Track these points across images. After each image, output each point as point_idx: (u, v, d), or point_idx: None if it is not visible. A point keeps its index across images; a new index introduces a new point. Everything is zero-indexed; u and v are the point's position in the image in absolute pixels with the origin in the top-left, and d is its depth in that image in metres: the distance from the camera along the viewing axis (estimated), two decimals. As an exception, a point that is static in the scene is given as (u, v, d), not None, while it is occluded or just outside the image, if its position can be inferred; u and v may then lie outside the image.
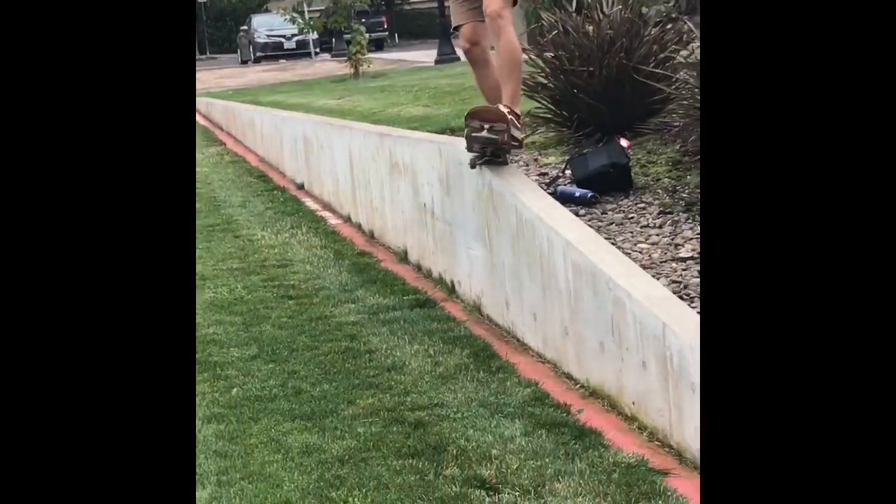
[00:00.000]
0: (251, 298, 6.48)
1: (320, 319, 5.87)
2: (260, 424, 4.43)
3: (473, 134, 5.29)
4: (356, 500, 3.68)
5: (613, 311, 4.29)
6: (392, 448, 4.09)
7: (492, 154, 5.44)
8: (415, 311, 5.80)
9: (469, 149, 5.48)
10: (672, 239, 5.06)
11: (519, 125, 5.44)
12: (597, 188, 5.67)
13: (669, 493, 3.56)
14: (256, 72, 27.05)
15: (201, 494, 3.80)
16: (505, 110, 5.26)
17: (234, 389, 4.88)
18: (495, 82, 5.58)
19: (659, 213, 5.33)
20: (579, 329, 4.62)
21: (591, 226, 5.08)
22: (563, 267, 4.72)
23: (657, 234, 5.11)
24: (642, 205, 5.45)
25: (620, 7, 7.36)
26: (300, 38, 30.65)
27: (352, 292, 6.38)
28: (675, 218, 5.23)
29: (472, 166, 5.50)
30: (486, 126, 5.22)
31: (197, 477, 3.97)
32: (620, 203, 5.73)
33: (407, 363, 5.04)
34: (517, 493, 3.64)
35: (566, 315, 4.73)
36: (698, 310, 4.19)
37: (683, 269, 4.73)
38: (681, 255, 4.88)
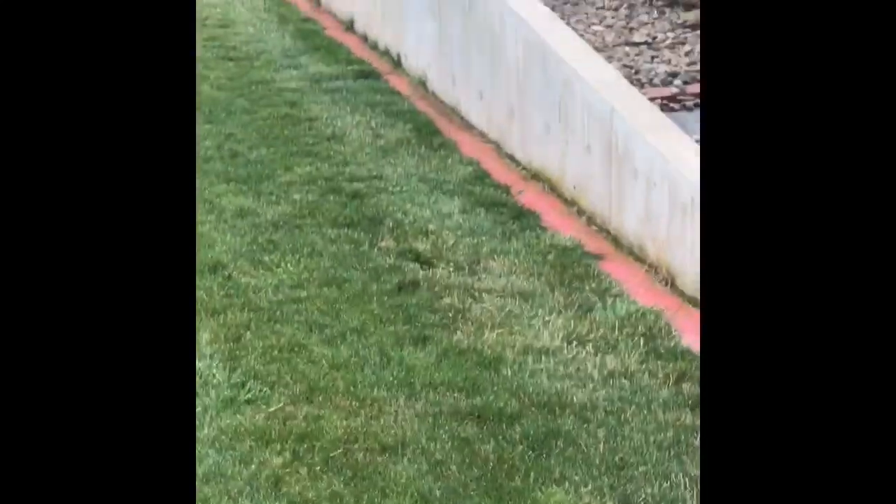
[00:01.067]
0: None
1: (260, 83, 5.70)
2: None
3: None
4: (289, 265, 3.65)
5: (562, 91, 4.20)
6: (328, 217, 4.04)
7: None
8: (358, 82, 5.63)
9: None
10: (627, 23, 4.94)
11: None
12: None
13: (602, 277, 3.57)
14: None
15: None
16: None
17: None
18: None
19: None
20: (526, 109, 4.53)
21: (545, 4, 4.92)
22: (514, 44, 4.58)
23: (612, 17, 4.98)
24: None
25: None
26: None
27: (294, 58, 6.18)
28: (632, 1, 5.08)
29: None
30: None
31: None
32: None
33: (347, 134, 4.94)
34: (451, 269, 3.63)
35: (513, 95, 4.62)
36: (648, 96, 4.12)
37: (637, 54, 4.64)
38: (634, 39, 4.79)
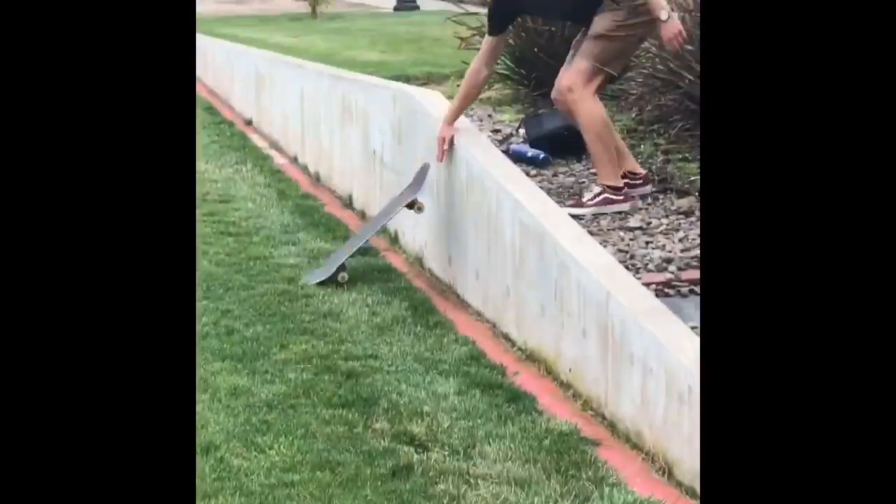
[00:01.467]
0: None
1: (258, 259, 5.76)
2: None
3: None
4: (282, 447, 3.61)
5: (558, 275, 4.24)
6: (322, 397, 4.02)
7: None
8: (356, 259, 5.68)
9: None
10: (622, 207, 5.02)
11: (618, 196, 5.02)
12: (549, 150, 5.61)
13: (600, 464, 3.53)
14: (213, 3, 26.61)
15: None
16: (596, 191, 5.02)
17: None
18: None
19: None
20: (522, 290, 4.56)
21: (541, 187, 5.01)
22: (511, 226, 4.64)
23: (608, 202, 5.04)
24: (594, 170, 5.37)
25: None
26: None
27: (293, 234, 6.27)
28: (626, 186, 5.16)
29: None
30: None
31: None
32: (572, 167, 5.69)
33: (344, 311, 4.96)
34: (446, 453, 3.60)
35: (509, 275, 4.67)
36: (643, 281, 4.15)
37: (631, 239, 4.69)
38: (629, 224, 4.85)
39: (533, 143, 5.77)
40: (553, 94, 5.18)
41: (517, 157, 5.61)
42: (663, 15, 4.76)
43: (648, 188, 5.18)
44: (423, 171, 5.38)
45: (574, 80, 4.98)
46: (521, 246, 4.56)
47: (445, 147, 5.18)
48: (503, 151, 5.51)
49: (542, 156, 5.65)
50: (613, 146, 5.07)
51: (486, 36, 5.26)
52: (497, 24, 5.18)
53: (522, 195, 4.65)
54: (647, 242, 4.66)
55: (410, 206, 5.38)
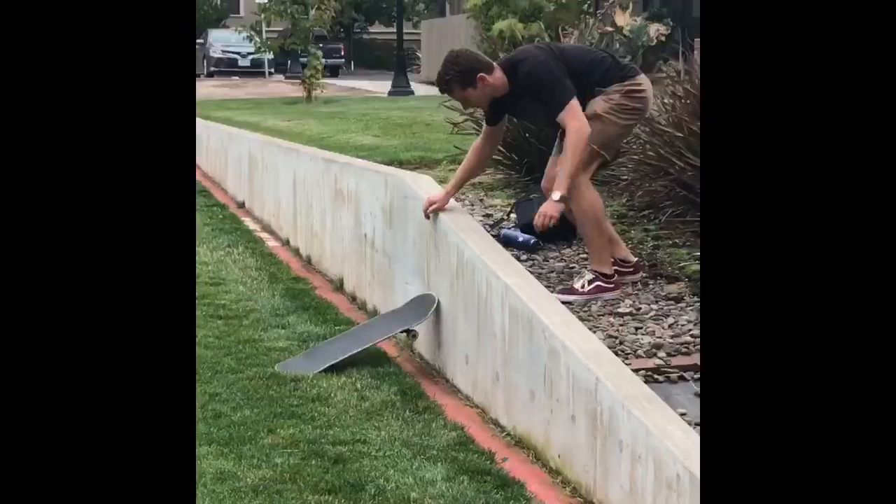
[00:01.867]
0: None
1: (248, 342, 5.75)
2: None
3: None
4: (267, 537, 3.57)
5: (547, 360, 4.22)
6: (309, 482, 3.98)
7: None
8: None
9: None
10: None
11: (608, 284, 5.02)
12: (540, 235, 5.63)
13: (588, 553, 3.48)
14: (208, 86, 26.84)
15: None
16: (588, 277, 5.00)
17: None
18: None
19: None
20: (511, 376, 4.55)
21: (531, 272, 5.01)
22: (500, 311, 4.64)
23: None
24: (584, 255, 5.39)
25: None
26: (255, 56, 30.21)
27: (283, 317, 6.27)
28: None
29: None
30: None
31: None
32: (563, 252, 5.70)
33: (332, 395, 4.94)
34: (434, 542, 3.56)
35: (499, 360, 4.66)
36: (632, 367, 4.14)
37: (620, 325, 4.68)
38: (619, 309, 4.84)
39: (524, 229, 5.78)
40: (543, 183, 5.17)
41: (508, 242, 5.63)
42: (556, 195, 4.81)
43: (639, 276, 5.19)
44: (429, 303, 5.38)
45: (569, 167, 4.89)
46: (510, 331, 4.56)
47: (430, 209, 5.28)
48: (494, 236, 5.52)
49: (532, 240, 5.67)
50: (607, 234, 5.09)
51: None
52: (491, 117, 5.25)
53: (512, 280, 4.65)
54: (637, 328, 4.65)
55: (406, 331, 5.42)
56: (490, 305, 4.75)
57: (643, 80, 5.02)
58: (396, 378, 5.18)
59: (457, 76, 5.01)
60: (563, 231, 5.55)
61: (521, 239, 5.72)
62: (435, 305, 5.30)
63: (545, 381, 4.24)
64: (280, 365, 5.35)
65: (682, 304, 4.88)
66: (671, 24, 15.39)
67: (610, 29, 11.74)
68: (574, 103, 4.81)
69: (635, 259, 5.23)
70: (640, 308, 4.88)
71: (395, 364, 5.42)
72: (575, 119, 4.78)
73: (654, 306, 4.88)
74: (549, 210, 4.81)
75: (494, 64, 5.07)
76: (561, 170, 4.82)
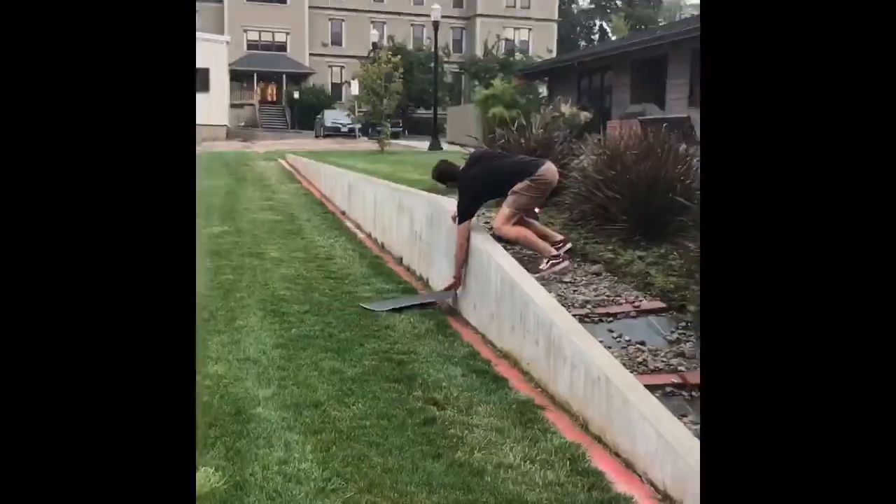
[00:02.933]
0: (308, 276, 6.29)
1: (348, 293, 5.74)
2: (306, 352, 4.34)
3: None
4: (359, 405, 3.58)
5: (522, 307, 4.23)
6: (383, 375, 3.99)
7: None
8: (404, 294, 5.69)
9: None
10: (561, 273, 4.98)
11: (557, 260, 4.93)
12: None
13: (545, 422, 3.49)
14: (323, 143, 26.78)
15: (266, 392, 3.67)
16: (545, 261, 4.94)
17: (293, 329, 4.78)
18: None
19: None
20: (501, 315, 4.56)
21: (514, 257, 4.98)
22: (495, 279, 4.64)
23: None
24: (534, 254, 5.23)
25: (542, 130, 7.32)
26: (351, 125, 30.25)
27: (368, 279, 6.25)
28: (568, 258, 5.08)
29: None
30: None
31: (262, 378, 3.84)
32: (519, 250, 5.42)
33: (396, 325, 4.94)
34: (455, 411, 3.57)
35: (493, 306, 4.67)
36: (572, 313, 4.13)
37: (564, 289, 4.68)
38: (564, 279, 4.84)
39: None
40: (491, 233, 5.19)
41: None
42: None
43: (569, 245, 5.11)
44: (452, 294, 5.25)
45: (499, 221, 5.04)
46: (500, 290, 4.56)
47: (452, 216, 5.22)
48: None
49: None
50: (538, 238, 5.03)
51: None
52: (464, 216, 5.09)
53: (503, 261, 4.66)
54: (574, 291, 4.65)
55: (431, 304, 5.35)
56: (489, 275, 4.76)
57: (545, 171, 5.02)
58: (434, 316, 5.18)
59: (439, 174, 5.45)
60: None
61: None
62: (454, 293, 5.22)
63: (521, 319, 4.25)
64: (365, 304, 5.35)
65: (601, 277, 4.87)
66: (592, 111, 15.45)
67: (557, 114, 11.69)
68: (462, 225, 4.99)
69: (561, 237, 5.15)
70: (576, 279, 4.88)
71: (432, 309, 5.42)
72: (459, 234, 5.00)
73: (584, 279, 4.88)
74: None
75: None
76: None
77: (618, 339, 4.01)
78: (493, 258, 4.71)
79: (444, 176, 5.43)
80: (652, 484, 2.92)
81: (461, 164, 5.50)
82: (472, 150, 6.56)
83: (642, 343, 3.94)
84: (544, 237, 5.10)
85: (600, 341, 3.74)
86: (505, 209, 5.08)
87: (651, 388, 3.29)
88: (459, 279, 5.11)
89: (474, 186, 5.10)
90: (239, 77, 37.58)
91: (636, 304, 4.34)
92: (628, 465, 3.08)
